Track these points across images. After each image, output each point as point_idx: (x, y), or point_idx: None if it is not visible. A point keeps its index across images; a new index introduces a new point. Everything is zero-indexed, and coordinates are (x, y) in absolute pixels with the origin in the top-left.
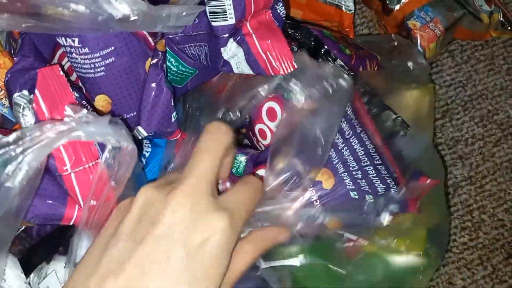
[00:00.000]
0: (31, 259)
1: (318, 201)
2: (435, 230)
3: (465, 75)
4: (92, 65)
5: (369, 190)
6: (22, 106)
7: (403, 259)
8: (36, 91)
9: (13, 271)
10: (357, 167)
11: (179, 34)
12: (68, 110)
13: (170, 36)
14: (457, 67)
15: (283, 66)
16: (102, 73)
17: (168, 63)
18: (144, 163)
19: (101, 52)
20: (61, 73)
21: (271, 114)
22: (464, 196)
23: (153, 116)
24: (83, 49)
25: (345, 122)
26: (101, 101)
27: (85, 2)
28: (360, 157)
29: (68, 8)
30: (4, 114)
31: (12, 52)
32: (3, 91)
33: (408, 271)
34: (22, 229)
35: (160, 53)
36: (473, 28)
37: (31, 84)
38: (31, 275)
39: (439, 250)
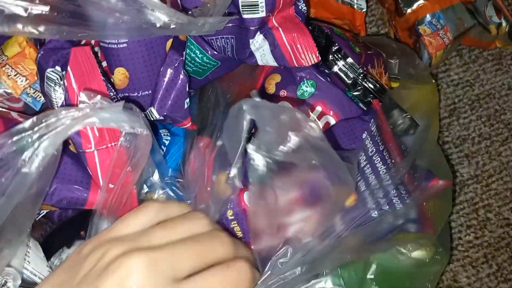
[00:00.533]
0: (52, 243)
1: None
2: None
3: (472, 74)
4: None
5: (389, 210)
6: (54, 82)
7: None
8: (69, 68)
9: (36, 254)
10: (378, 186)
11: None
12: (82, 96)
13: None
14: (465, 66)
15: (307, 58)
16: (125, 45)
17: (193, 55)
18: (164, 151)
19: (126, 25)
20: (91, 54)
21: None
22: (470, 194)
23: (167, 99)
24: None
25: (369, 139)
26: (120, 74)
27: (131, 13)
28: (382, 175)
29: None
30: (27, 102)
31: (37, 44)
32: (28, 81)
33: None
34: (43, 214)
35: (181, 41)
36: (480, 38)
37: (63, 62)
38: (52, 259)
39: (446, 248)
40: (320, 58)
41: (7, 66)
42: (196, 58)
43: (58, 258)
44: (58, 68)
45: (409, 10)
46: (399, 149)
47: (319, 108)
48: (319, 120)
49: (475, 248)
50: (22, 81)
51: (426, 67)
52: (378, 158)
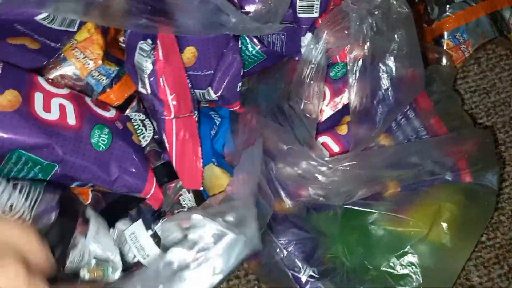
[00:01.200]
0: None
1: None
2: None
3: (489, 82)
4: None
5: (427, 157)
6: (146, 52)
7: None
8: (158, 42)
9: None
10: (415, 136)
11: None
12: None
13: None
14: (482, 74)
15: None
16: None
17: (244, 48)
18: (216, 130)
19: None
20: None
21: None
22: None
23: (223, 80)
24: None
25: None
26: (189, 53)
27: (207, 14)
28: (419, 129)
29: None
30: (91, 84)
31: (104, 31)
32: (94, 64)
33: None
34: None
35: None
36: (497, 43)
37: (152, 37)
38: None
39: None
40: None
41: (77, 50)
42: (246, 51)
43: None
44: (149, 41)
45: (436, 21)
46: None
47: None
48: None
49: (487, 249)
50: (89, 64)
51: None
52: (413, 114)
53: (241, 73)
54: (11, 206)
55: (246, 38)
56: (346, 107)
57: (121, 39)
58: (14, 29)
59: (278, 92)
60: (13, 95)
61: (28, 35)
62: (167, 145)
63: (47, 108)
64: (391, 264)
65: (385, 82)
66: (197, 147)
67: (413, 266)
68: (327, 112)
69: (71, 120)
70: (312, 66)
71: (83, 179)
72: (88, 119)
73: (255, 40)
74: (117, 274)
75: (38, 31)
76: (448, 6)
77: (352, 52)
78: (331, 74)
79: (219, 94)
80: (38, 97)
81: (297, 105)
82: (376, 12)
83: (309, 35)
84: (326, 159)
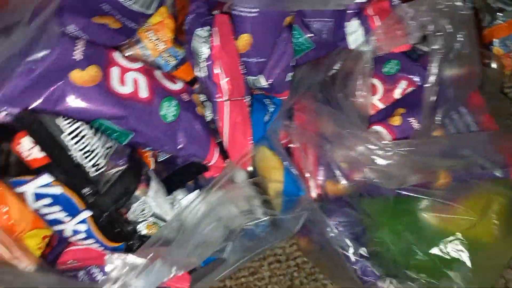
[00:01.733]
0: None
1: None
2: None
3: None
4: (251, 5)
5: (479, 150)
6: (203, 39)
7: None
8: (215, 29)
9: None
10: (466, 130)
11: (310, 9)
12: None
13: (301, 10)
14: None
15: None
16: (255, 14)
17: (292, 37)
18: (270, 116)
19: None
20: (228, 20)
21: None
22: None
23: (275, 69)
24: None
25: None
26: (243, 40)
27: None
28: (470, 124)
29: None
30: (160, 64)
31: (175, 17)
32: (165, 46)
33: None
34: (165, 158)
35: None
36: None
37: (209, 24)
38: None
39: None
40: (411, 46)
41: (150, 32)
42: (293, 39)
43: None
44: (207, 28)
45: (487, 28)
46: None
47: (403, 83)
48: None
49: None
50: (160, 45)
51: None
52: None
53: (292, 63)
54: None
55: (295, 25)
56: (398, 100)
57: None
58: (101, 8)
59: (331, 82)
60: (94, 70)
61: (112, 15)
62: (220, 125)
63: (122, 81)
64: (441, 248)
65: (447, 78)
66: (247, 129)
67: (462, 252)
68: (378, 106)
69: (143, 93)
70: (362, 61)
71: (153, 146)
72: (158, 92)
73: (303, 27)
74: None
75: (121, 11)
76: (499, 14)
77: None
78: (385, 70)
79: (269, 82)
80: (114, 72)
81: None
82: (438, 15)
83: (355, 22)
84: (384, 142)
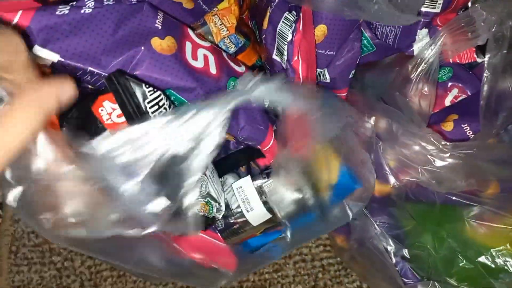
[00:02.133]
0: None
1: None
2: None
3: None
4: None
5: None
6: (290, 22)
7: None
8: (301, 14)
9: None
10: None
11: None
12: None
13: None
14: None
15: (464, 57)
16: None
17: None
18: None
19: None
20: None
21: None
22: None
23: (340, 65)
24: None
25: None
26: (319, 30)
27: None
28: None
29: None
30: (222, 48)
31: (241, 1)
32: (228, 32)
33: None
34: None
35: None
36: None
37: (295, 9)
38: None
39: None
40: (476, 59)
41: (216, 16)
42: (361, 44)
43: (225, 181)
44: (294, 12)
45: None
46: None
47: (455, 90)
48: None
49: None
50: (224, 30)
51: None
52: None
53: (357, 61)
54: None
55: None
56: (451, 106)
57: (243, 16)
58: None
59: (387, 82)
60: (171, 41)
61: None
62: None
63: (194, 56)
64: (488, 257)
65: (510, 85)
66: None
67: (510, 263)
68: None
69: (213, 69)
70: (424, 66)
71: None
72: (225, 70)
73: (367, 30)
74: (220, 215)
75: None
76: None
77: (487, 55)
78: (438, 76)
79: (333, 76)
80: (188, 46)
81: (407, 96)
82: (510, 20)
83: (424, 31)
84: (443, 143)
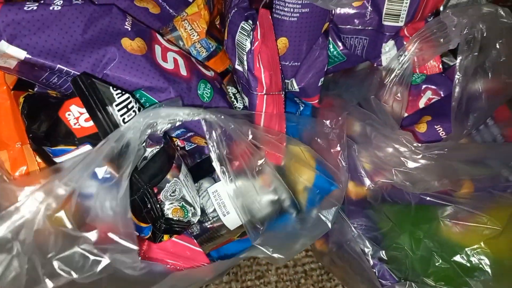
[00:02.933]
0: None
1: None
2: None
3: None
4: (292, 9)
5: (505, 161)
6: (247, 32)
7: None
8: (258, 23)
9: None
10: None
11: (348, 26)
12: None
13: (339, 27)
14: None
15: (429, 68)
16: (295, 19)
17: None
18: (299, 114)
19: (303, 1)
20: (269, 17)
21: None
22: None
23: (307, 73)
24: None
25: None
26: (281, 43)
27: None
28: (496, 136)
29: None
30: (191, 54)
31: (210, 7)
32: (198, 36)
33: None
34: (191, 148)
35: (327, 32)
36: None
37: (253, 18)
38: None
39: None
40: (442, 70)
41: (186, 21)
42: (328, 52)
43: (201, 186)
44: (250, 21)
45: None
46: None
47: (429, 92)
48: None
49: None
50: (194, 35)
51: None
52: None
53: (325, 69)
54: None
55: (330, 38)
56: (425, 108)
57: (217, 22)
58: None
59: (363, 87)
60: (141, 42)
61: None
62: (256, 119)
63: (164, 58)
64: (463, 256)
65: (481, 87)
66: (283, 122)
67: (485, 261)
68: (403, 114)
69: (183, 71)
70: (397, 73)
71: (188, 125)
72: (195, 73)
73: (338, 41)
74: (195, 219)
75: None
76: None
77: (458, 57)
78: (411, 80)
79: (301, 86)
80: (157, 49)
81: (381, 99)
82: (481, 24)
83: (391, 43)
84: (415, 144)
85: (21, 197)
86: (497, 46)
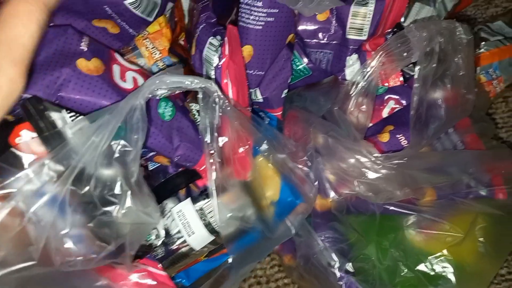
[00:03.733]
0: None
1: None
2: None
3: None
4: (257, 18)
5: (465, 168)
6: (215, 47)
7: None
8: (226, 39)
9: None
10: (453, 149)
11: (313, 41)
12: None
13: (304, 41)
14: (510, 113)
15: (392, 81)
16: (260, 27)
17: (292, 61)
18: None
19: (268, 10)
20: (237, 33)
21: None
22: None
23: (271, 84)
24: (258, 2)
25: None
26: (246, 51)
27: None
28: (456, 143)
29: None
30: (154, 72)
31: (172, 25)
32: (161, 55)
33: None
34: (154, 167)
35: (292, 44)
36: None
37: (221, 34)
38: None
39: None
40: (403, 82)
41: (147, 40)
42: (293, 65)
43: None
44: (218, 37)
45: None
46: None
47: (391, 102)
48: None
49: (507, 282)
50: (156, 54)
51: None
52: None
53: (288, 81)
54: None
55: (296, 52)
56: (387, 118)
57: (182, 39)
58: (102, 10)
59: (329, 99)
60: (98, 62)
61: (112, 19)
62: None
63: (123, 78)
64: (427, 265)
65: (440, 98)
66: (249, 139)
67: (448, 269)
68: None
69: None
70: (363, 85)
71: (149, 144)
72: None
73: (303, 55)
74: (159, 242)
75: (123, 15)
76: (483, 43)
77: (417, 67)
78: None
79: (265, 96)
80: (116, 68)
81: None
82: (440, 37)
83: (354, 56)
84: (376, 155)
85: None
86: (456, 60)
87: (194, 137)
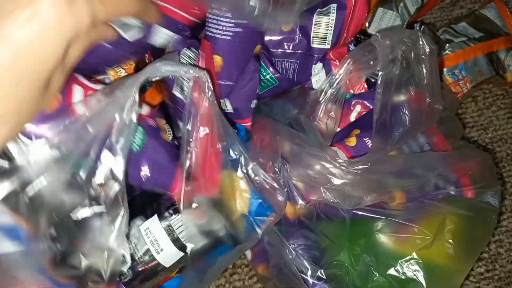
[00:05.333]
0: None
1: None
2: None
3: (486, 119)
4: (225, 28)
5: (433, 169)
6: (191, 59)
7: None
8: (201, 52)
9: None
10: (420, 151)
11: (278, 50)
12: None
13: (270, 51)
14: (479, 112)
15: (357, 88)
16: (228, 37)
17: (260, 73)
18: None
19: (236, 20)
20: (210, 45)
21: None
22: None
23: (240, 95)
24: (226, 13)
25: None
26: (215, 61)
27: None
28: (423, 145)
29: None
30: None
31: None
32: (126, 74)
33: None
34: None
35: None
36: (494, 83)
37: (195, 46)
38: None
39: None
40: (367, 89)
41: None
42: (261, 75)
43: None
44: (193, 49)
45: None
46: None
47: (358, 106)
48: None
49: (486, 280)
50: (121, 72)
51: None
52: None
53: (257, 91)
54: None
55: (262, 63)
56: (354, 122)
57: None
58: None
59: (296, 107)
60: None
61: None
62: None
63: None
64: (397, 269)
65: (404, 106)
66: (219, 155)
67: (418, 272)
68: (336, 129)
69: None
70: (331, 92)
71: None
72: None
73: (269, 65)
74: (125, 268)
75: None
76: (447, 45)
77: (380, 73)
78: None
79: (235, 106)
80: (77, 89)
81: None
82: (403, 46)
83: (319, 65)
84: (340, 161)
85: None
86: (420, 69)
87: (166, 162)
